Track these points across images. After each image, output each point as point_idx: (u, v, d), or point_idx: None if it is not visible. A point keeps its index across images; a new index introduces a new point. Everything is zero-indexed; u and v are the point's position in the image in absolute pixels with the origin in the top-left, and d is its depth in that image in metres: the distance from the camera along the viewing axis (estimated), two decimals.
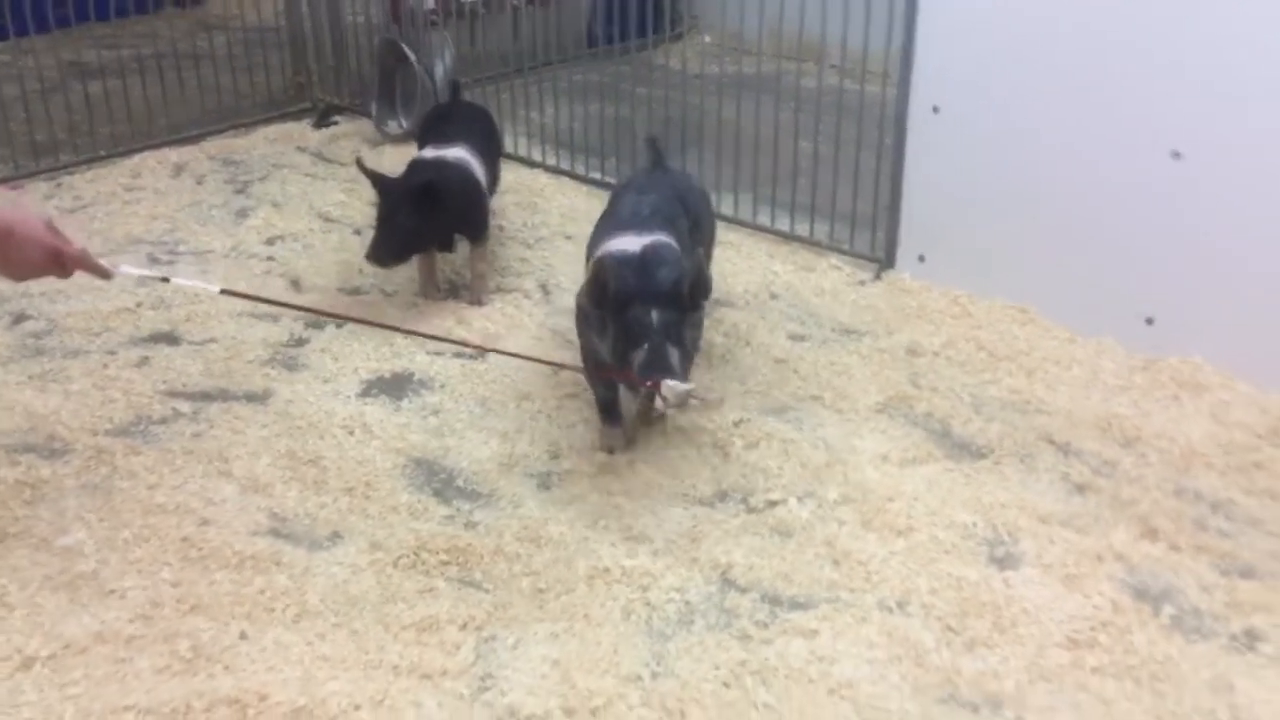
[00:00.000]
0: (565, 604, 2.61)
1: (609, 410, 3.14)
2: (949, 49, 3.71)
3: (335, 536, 2.82)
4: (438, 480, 3.04)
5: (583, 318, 3.02)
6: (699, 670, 2.41)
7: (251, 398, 3.39)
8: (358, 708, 2.31)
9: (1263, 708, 2.29)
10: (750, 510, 2.91)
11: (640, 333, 2.75)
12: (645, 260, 2.88)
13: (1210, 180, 3.29)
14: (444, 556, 2.73)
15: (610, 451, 3.11)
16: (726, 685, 2.37)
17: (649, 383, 2.72)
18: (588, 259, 3.15)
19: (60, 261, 2.47)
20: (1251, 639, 2.47)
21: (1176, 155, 3.34)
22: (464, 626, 2.53)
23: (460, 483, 3.03)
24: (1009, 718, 2.31)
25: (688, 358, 2.82)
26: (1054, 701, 2.33)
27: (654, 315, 2.75)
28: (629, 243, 2.97)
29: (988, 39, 3.62)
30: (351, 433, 3.22)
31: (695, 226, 3.31)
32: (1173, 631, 2.50)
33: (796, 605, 2.61)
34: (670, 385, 2.69)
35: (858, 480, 3.00)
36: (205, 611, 2.54)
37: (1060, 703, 2.33)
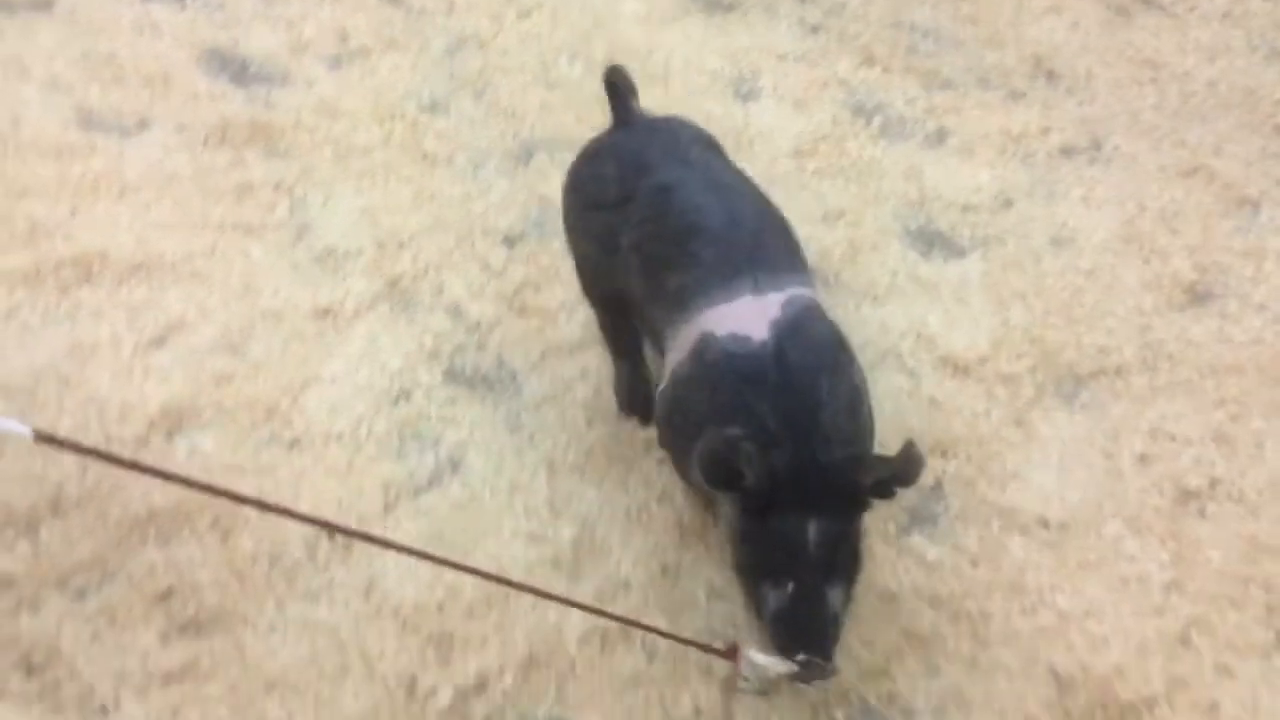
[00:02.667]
0: (367, 164, 2.94)
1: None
2: None
3: (142, 124, 3.03)
4: (232, 68, 3.24)
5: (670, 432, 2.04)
6: (484, 204, 2.82)
7: (36, 6, 3.44)
8: (191, 258, 2.66)
9: (945, 186, 2.84)
10: (525, 72, 3.23)
11: (783, 561, 1.78)
12: (792, 378, 1.84)
13: None
14: (248, 132, 3.00)
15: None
16: None
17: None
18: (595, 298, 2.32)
19: None
20: (942, 134, 3.00)
21: None
22: (276, 188, 2.86)
23: (254, 69, 3.24)
24: None
25: (844, 608, 1.84)
26: (780, 199, 2.77)
27: (812, 530, 1.75)
28: (747, 322, 1.89)
29: None
30: (141, 32, 3.34)
31: None
32: (880, 137, 3.01)
33: (569, 147, 2.97)
34: (759, 661, 1.84)
35: (621, 40, 3.33)
36: (34, 194, 2.78)
37: (785, 199, 2.74)
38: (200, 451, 2.30)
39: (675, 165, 2.10)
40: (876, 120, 3.05)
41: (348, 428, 2.36)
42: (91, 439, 2.29)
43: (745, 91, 3.16)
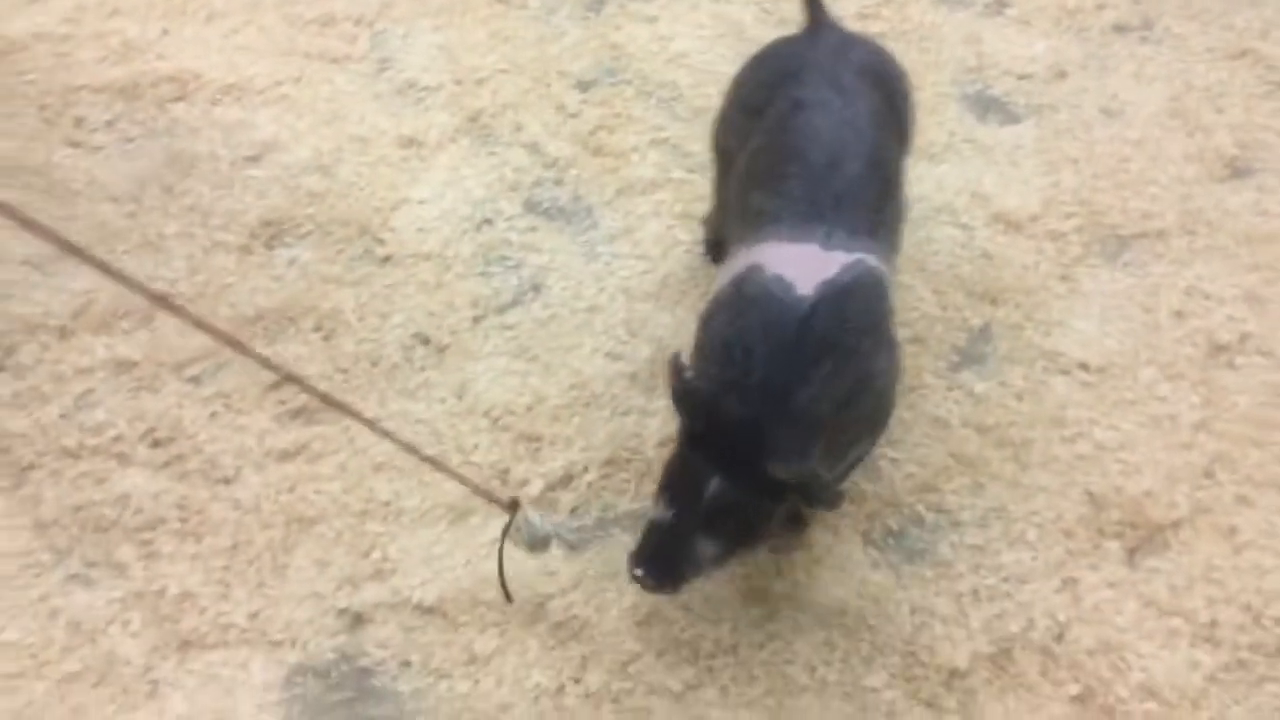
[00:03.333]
0: (443, 3, 3.03)
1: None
2: None
3: None
4: None
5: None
6: (559, 48, 2.93)
7: None
8: (279, 83, 2.77)
9: (1003, 54, 2.95)
10: None
11: (680, 491, 1.77)
12: (804, 345, 1.77)
13: None
14: None
15: None
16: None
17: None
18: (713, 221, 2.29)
19: None
20: (1000, 6, 3.09)
21: None
22: (357, 22, 2.95)
23: None
24: None
25: (714, 561, 1.82)
26: None
27: (713, 484, 1.73)
28: (800, 271, 1.83)
29: None
30: None
31: (901, 140, 2.14)
32: (940, 3, 3.10)
33: None
34: (534, 521, 2.05)
35: None
36: (126, 14, 2.88)
37: None
38: (299, 262, 2.45)
39: (822, 85, 1.99)
40: None
41: (435, 247, 2.50)
42: (197, 243, 2.44)
43: None
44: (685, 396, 1.73)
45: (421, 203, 2.57)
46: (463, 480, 1.89)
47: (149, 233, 2.44)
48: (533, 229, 2.57)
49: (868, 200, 1.90)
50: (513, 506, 1.94)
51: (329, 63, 2.85)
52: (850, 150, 1.90)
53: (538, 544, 2.08)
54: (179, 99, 2.70)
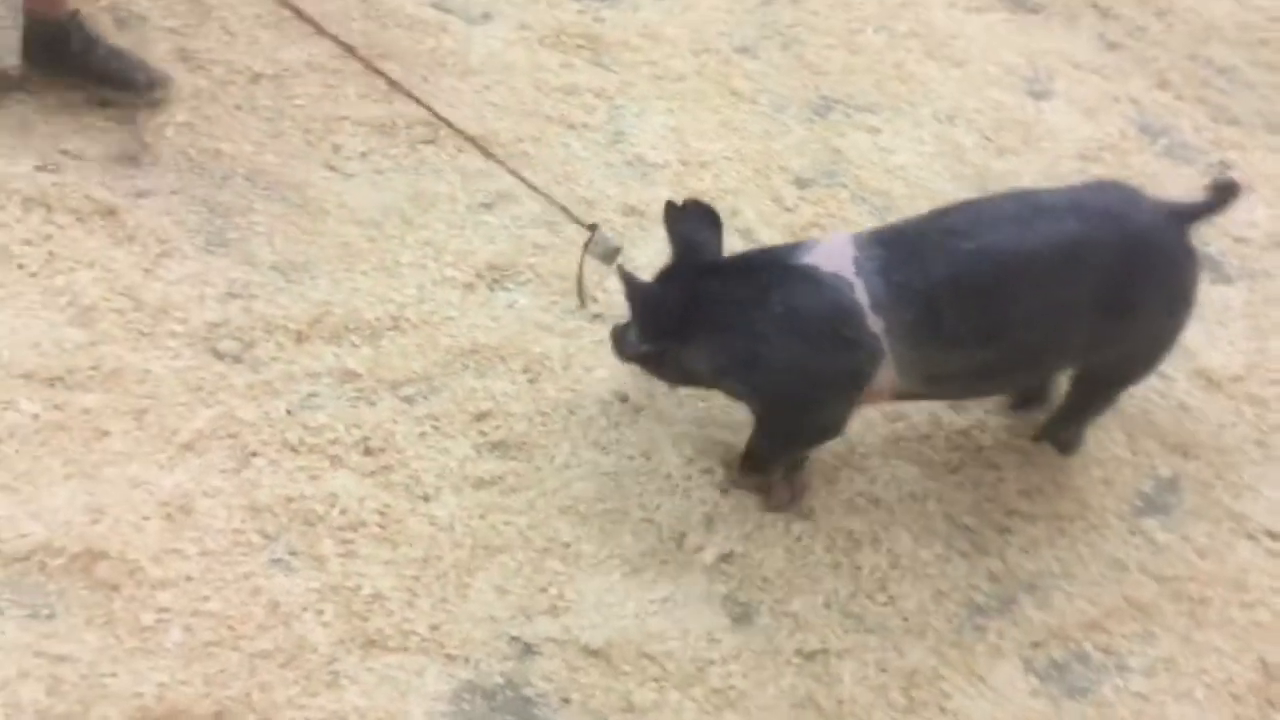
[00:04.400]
0: (680, 89, 3.19)
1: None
2: None
3: (487, 16, 3.34)
4: None
5: None
6: (782, 144, 3.05)
7: None
8: (520, 141, 2.95)
9: (1223, 216, 2.96)
10: (832, 35, 3.44)
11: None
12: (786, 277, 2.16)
13: None
14: (580, 41, 3.28)
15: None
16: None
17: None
18: None
19: None
20: (1224, 167, 3.12)
21: None
22: (598, 95, 3.13)
23: None
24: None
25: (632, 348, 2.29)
26: None
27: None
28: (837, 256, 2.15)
29: None
30: None
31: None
32: (1164, 157, 3.14)
33: (865, 109, 3.21)
34: (608, 237, 2.50)
35: (926, 19, 3.51)
36: (391, 58, 3.11)
37: None
38: (517, 306, 2.59)
39: None
40: (1162, 141, 3.18)
41: None
42: (428, 274, 2.61)
43: (1038, 90, 3.32)
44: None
45: (634, 269, 2.70)
46: (546, 196, 2.42)
47: (386, 258, 2.62)
48: None
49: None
50: (591, 227, 2.45)
51: (567, 128, 3.02)
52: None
53: (609, 255, 2.47)
54: (429, 142, 2.90)
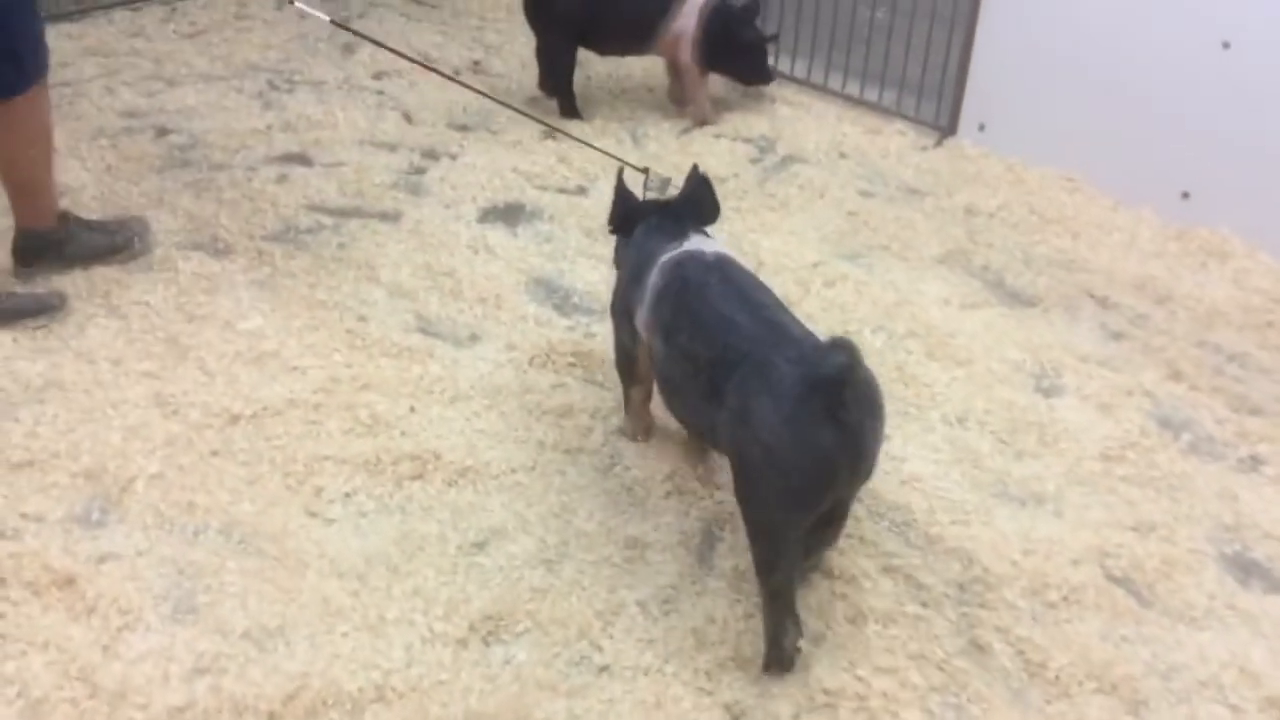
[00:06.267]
0: None
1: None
2: None
3: (475, 338, 3.26)
4: (556, 297, 3.48)
5: None
6: None
7: (385, 216, 3.80)
8: (514, 471, 2.79)
9: (1262, 515, 2.78)
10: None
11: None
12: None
13: (1255, 70, 3.65)
14: (570, 359, 3.19)
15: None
16: None
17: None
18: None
19: None
20: (1256, 463, 2.95)
21: (1226, 45, 3.70)
22: (593, 415, 3.00)
23: (576, 300, 3.47)
24: (1050, 510, 2.79)
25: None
26: (1088, 501, 2.82)
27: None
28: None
29: None
30: (477, 252, 3.64)
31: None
32: (1190, 453, 2.98)
33: None
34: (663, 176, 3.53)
35: (923, 318, 3.44)
36: (376, 389, 3.00)
37: (1093, 502, 2.81)
38: (515, 662, 2.35)
39: None
40: (1185, 436, 3.03)
41: (654, 662, 2.38)
42: (416, 632, 2.38)
43: (1047, 386, 3.20)
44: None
45: (642, 610, 2.48)
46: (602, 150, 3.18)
47: (370, 614, 2.40)
48: None
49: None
50: (645, 170, 3.19)
51: (563, 453, 2.87)
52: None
53: (663, 187, 3.22)
54: (417, 477, 2.74)
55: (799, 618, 2.31)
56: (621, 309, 2.76)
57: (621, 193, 2.85)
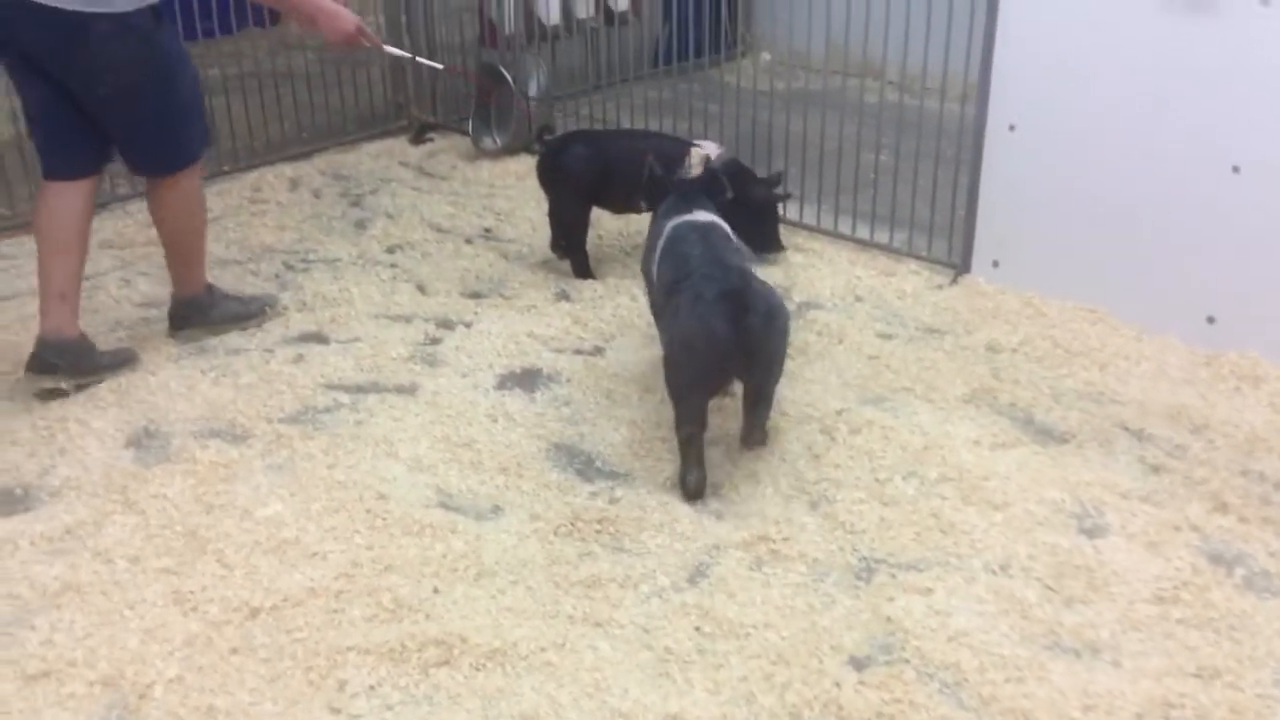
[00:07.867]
0: (715, 575, 2.96)
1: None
2: (1024, 72, 4.07)
3: (497, 509, 3.19)
4: (579, 462, 3.41)
5: None
6: (829, 619, 2.77)
7: (401, 390, 3.77)
8: (543, 650, 2.68)
9: None
10: (860, 488, 3.27)
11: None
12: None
13: (1266, 192, 3.64)
14: (597, 526, 3.10)
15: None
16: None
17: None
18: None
19: (362, 31, 3.89)
20: None
21: (1236, 169, 3.69)
22: (623, 585, 2.90)
23: (599, 464, 3.40)
24: (1107, 660, 2.66)
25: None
26: (1146, 648, 2.69)
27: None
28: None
29: (1060, 62, 3.98)
30: (495, 420, 3.60)
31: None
32: (1246, 590, 2.85)
33: (910, 567, 2.96)
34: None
35: (954, 461, 3.36)
36: (399, 571, 2.92)
37: (1151, 649, 2.68)
38: None
39: None
40: (1239, 571, 2.91)
41: None
42: None
43: (1089, 526, 3.09)
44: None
45: None
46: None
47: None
48: None
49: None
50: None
51: (594, 626, 2.77)
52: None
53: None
54: (444, 663, 2.63)
55: (704, 467, 3.20)
56: (646, 268, 3.56)
57: (651, 173, 3.70)
